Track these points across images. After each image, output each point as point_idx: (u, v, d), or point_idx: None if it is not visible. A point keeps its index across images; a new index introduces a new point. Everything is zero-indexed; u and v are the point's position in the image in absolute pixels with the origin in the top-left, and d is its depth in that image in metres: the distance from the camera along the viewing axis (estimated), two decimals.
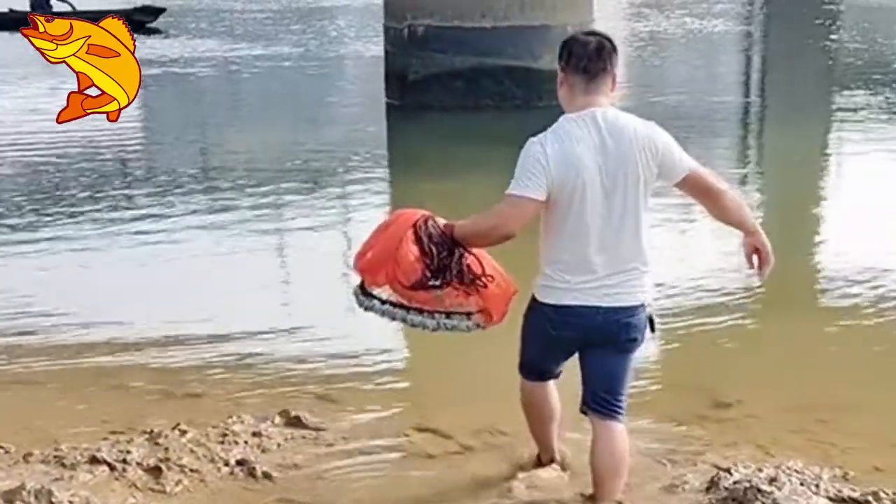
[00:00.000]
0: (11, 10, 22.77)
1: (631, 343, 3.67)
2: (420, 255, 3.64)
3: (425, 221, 3.70)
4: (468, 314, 3.73)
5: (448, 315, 3.72)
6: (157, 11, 22.92)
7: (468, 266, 3.68)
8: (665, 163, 3.59)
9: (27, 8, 22.64)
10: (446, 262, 3.65)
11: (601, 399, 3.70)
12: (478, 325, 3.76)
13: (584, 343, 3.68)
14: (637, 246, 3.61)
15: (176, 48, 19.35)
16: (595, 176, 3.52)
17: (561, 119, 3.61)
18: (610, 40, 3.65)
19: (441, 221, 3.73)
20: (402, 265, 3.63)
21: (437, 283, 3.64)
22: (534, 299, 3.73)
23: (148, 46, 18.73)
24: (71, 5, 23.02)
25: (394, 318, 3.78)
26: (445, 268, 3.65)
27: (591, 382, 3.72)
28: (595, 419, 3.72)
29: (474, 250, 3.71)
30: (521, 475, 3.98)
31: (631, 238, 3.59)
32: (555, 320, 3.66)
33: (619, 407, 3.71)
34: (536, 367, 3.87)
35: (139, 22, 22.09)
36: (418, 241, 3.66)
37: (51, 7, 22.89)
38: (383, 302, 3.74)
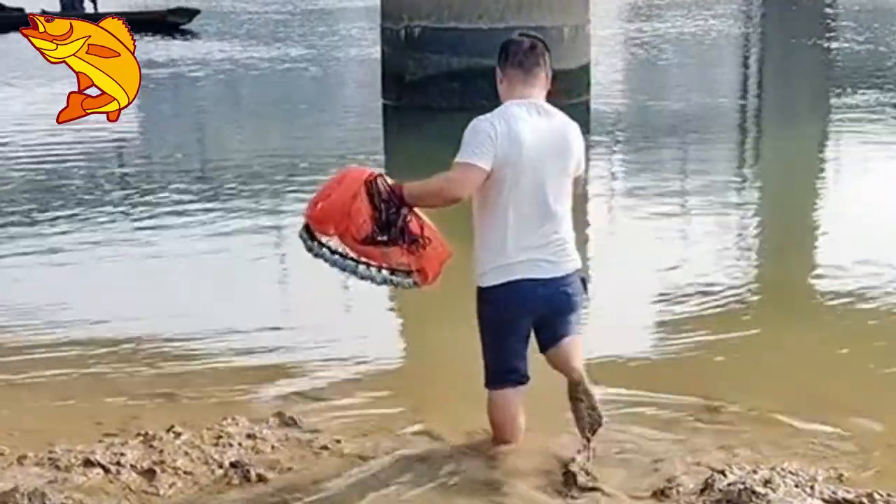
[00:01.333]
0: (44, 11, 22.76)
1: (576, 308, 4.00)
2: (371, 211, 3.84)
3: (375, 179, 3.90)
4: (408, 272, 3.93)
5: (392, 271, 3.92)
6: (191, 13, 22.74)
7: (409, 226, 3.88)
8: (579, 157, 4.00)
9: (58, 9, 22.74)
10: (393, 219, 3.85)
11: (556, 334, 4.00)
12: (416, 284, 3.95)
13: (536, 319, 3.94)
14: (566, 222, 3.96)
15: (175, 49, 19.29)
16: (535, 155, 3.84)
17: (506, 103, 3.96)
18: (542, 41, 4.07)
19: (389, 181, 3.92)
20: (354, 220, 3.84)
21: (385, 239, 3.86)
22: (481, 292, 3.95)
23: (146, 49, 18.69)
24: (95, 8, 23.03)
25: (344, 269, 3.98)
26: (391, 225, 3.85)
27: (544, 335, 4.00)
28: (555, 349, 4.02)
29: (417, 213, 3.93)
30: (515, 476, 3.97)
31: (562, 215, 3.93)
32: (505, 300, 3.89)
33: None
34: (512, 363, 4.00)
35: (173, 24, 22.07)
36: (370, 197, 3.85)
37: (83, 9, 22.86)
38: (333, 251, 3.95)
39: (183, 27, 22.36)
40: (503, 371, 4.03)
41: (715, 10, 26.13)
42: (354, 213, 3.84)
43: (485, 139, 3.84)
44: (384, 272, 3.93)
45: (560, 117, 3.97)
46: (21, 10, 22.66)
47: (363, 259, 3.92)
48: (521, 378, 4.05)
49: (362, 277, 3.96)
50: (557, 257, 3.94)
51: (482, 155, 3.82)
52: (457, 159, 3.86)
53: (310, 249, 3.99)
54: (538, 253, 3.90)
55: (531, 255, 3.90)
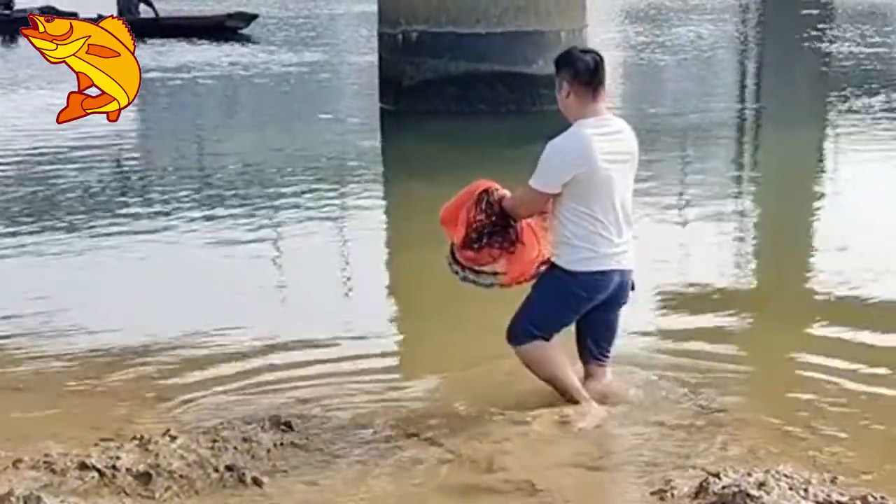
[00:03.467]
0: (100, 16, 22.69)
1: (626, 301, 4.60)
2: (470, 220, 4.51)
3: (486, 191, 4.54)
4: (493, 273, 4.55)
5: (477, 273, 4.57)
6: (248, 18, 22.50)
7: (507, 233, 4.52)
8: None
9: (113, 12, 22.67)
10: (488, 228, 4.50)
11: (604, 350, 4.64)
12: (493, 284, 4.60)
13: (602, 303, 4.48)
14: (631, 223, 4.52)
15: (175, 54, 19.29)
16: (610, 165, 4.34)
17: (578, 125, 4.38)
18: (602, 57, 4.45)
19: (500, 193, 4.55)
20: (458, 225, 4.53)
21: (476, 245, 4.51)
22: (563, 270, 4.41)
23: (146, 53, 18.68)
24: (155, 11, 22.97)
25: (472, 283, 4.63)
26: (483, 233, 4.50)
27: (596, 336, 4.60)
28: (595, 366, 4.65)
29: (526, 222, 4.56)
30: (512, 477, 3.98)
31: (631, 216, 4.49)
32: (595, 286, 4.41)
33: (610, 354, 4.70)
34: (554, 332, 4.53)
35: (232, 28, 21.90)
36: (477, 207, 4.51)
37: (139, 12, 22.82)
38: (463, 269, 4.59)
39: (241, 31, 22.05)
40: (542, 334, 4.50)
41: (712, 14, 26.16)
42: (460, 219, 4.52)
43: (558, 166, 4.34)
44: (468, 272, 4.58)
45: (624, 126, 4.49)
46: (74, 14, 22.62)
47: (468, 264, 4.57)
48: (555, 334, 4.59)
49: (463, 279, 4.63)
50: (632, 253, 4.50)
51: (549, 183, 4.36)
52: (530, 182, 4.42)
53: (454, 273, 4.64)
54: (624, 247, 4.44)
55: (620, 249, 4.43)
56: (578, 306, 4.50)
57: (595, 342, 4.63)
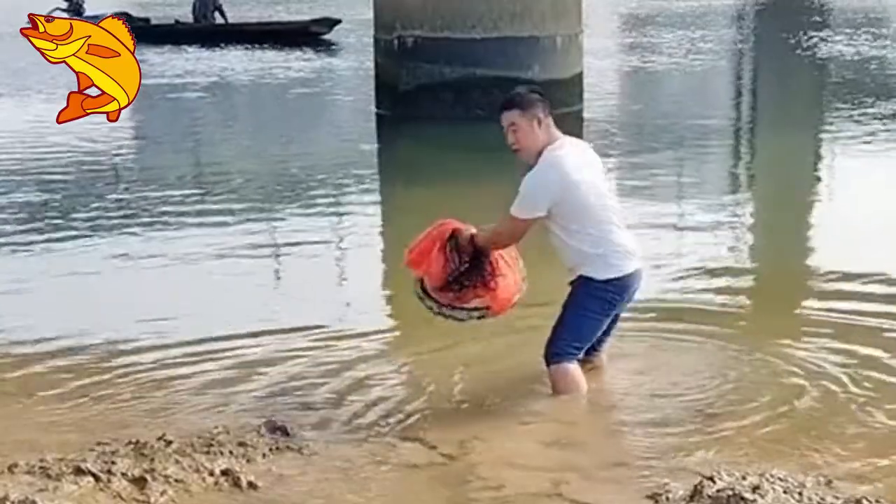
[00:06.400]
0: (178, 22, 22.64)
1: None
2: (444, 262, 4.65)
3: (453, 235, 4.66)
4: (477, 308, 4.71)
5: (454, 308, 4.73)
6: (331, 23, 22.11)
7: (483, 269, 4.66)
8: None
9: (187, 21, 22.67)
10: (463, 269, 4.65)
11: (604, 342, 4.92)
12: (480, 317, 4.76)
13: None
14: None
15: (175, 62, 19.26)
16: (590, 179, 4.64)
17: (560, 151, 4.61)
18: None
19: (472, 231, 4.69)
20: (432, 269, 4.67)
21: (456, 287, 4.67)
22: (598, 282, 4.59)
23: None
24: (224, 18, 22.87)
25: (446, 318, 4.79)
26: (461, 275, 4.65)
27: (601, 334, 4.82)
28: (598, 357, 4.95)
29: (501, 254, 4.72)
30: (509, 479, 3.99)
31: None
32: (621, 289, 4.64)
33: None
34: (592, 339, 4.77)
35: (316, 33, 21.65)
36: (448, 249, 4.64)
37: (214, 18, 22.75)
38: (440, 306, 4.74)
39: (323, 37, 21.73)
40: (581, 348, 4.70)
41: (709, 19, 26.20)
42: (433, 262, 4.65)
43: (537, 193, 4.54)
44: (444, 309, 4.73)
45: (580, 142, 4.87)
46: (147, 20, 22.59)
47: (446, 302, 4.72)
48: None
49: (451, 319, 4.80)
50: (638, 253, 4.73)
51: (528, 210, 4.55)
52: (510, 210, 4.59)
53: (426, 306, 4.79)
54: (634, 247, 4.69)
55: (632, 248, 4.67)
56: (610, 312, 4.72)
57: (598, 339, 4.85)
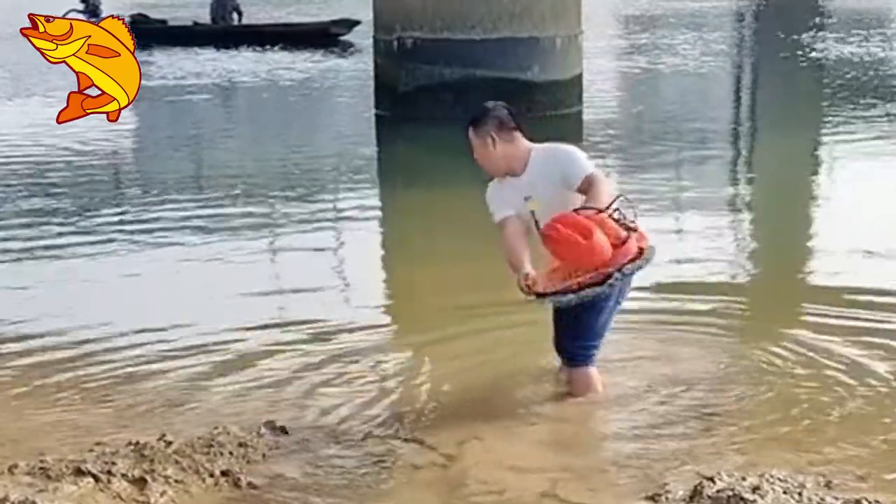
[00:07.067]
0: (196, 24, 22.52)
1: None
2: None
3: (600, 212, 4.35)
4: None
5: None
6: (351, 24, 21.76)
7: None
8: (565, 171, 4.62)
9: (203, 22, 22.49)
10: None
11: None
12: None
13: None
14: None
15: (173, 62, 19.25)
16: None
17: (538, 157, 4.61)
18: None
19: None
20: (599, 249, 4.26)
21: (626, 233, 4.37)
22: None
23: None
24: (240, 19, 22.60)
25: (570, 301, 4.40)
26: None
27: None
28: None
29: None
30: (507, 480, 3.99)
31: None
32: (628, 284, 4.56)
33: None
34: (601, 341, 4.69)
35: (335, 34, 21.42)
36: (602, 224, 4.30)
37: (232, 19, 22.61)
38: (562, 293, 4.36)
39: (342, 38, 21.44)
40: (598, 347, 4.66)
41: (708, 21, 26.21)
42: (597, 244, 4.25)
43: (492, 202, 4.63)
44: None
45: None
46: (164, 21, 22.48)
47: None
48: None
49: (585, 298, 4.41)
50: None
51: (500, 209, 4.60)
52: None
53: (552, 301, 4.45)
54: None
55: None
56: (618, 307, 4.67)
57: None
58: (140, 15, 22.29)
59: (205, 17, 22.98)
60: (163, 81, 16.49)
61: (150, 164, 11.29)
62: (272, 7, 27.89)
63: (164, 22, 22.40)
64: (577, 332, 4.61)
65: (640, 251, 4.41)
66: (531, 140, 4.71)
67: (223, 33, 21.87)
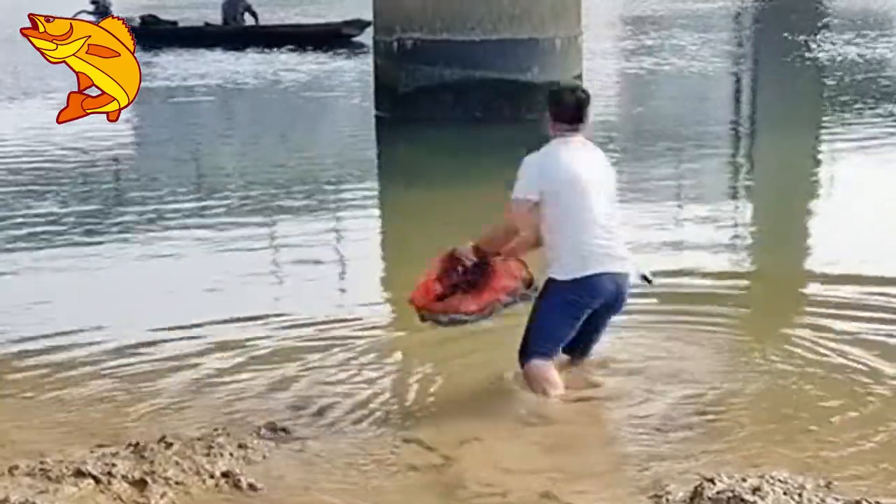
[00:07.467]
0: (207, 24, 22.40)
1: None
2: (435, 279, 4.82)
3: (452, 254, 4.83)
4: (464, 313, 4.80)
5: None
6: (363, 24, 21.02)
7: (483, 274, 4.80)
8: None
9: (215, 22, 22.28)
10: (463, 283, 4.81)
11: (588, 349, 4.98)
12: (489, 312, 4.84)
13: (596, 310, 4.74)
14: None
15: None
16: (590, 182, 4.76)
17: (559, 144, 4.75)
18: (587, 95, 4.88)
19: (468, 246, 4.81)
20: (426, 290, 4.82)
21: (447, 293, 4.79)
22: (559, 282, 4.65)
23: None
24: (256, 19, 22.39)
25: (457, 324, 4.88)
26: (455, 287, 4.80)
27: (583, 340, 4.88)
28: (577, 359, 4.99)
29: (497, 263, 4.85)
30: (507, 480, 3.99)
31: (617, 228, 4.85)
32: (583, 290, 4.66)
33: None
34: (563, 339, 4.77)
35: (347, 35, 21.16)
36: (443, 267, 4.83)
37: (244, 20, 22.48)
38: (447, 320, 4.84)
39: (354, 39, 21.04)
40: (549, 349, 4.73)
41: (708, 22, 26.21)
42: (430, 286, 4.80)
43: (528, 171, 4.68)
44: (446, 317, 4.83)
45: (598, 156, 4.92)
46: (174, 23, 22.35)
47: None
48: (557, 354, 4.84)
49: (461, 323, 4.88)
50: (625, 260, 4.75)
51: (522, 189, 4.66)
52: (511, 195, 4.69)
53: (436, 323, 4.89)
54: (611, 253, 4.68)
55: (606, 253, 4.66)
56: (578, 313, 4.71)
57: (581, 342, 4.91)
58: (150, 16, 22.15)
59: (214, 17, 22.88)
60: (166, 83, 16.48)
61: (150, 165, 11.26)
62: (276, 7, 27.86)
63: (174, 23, 22.28)
64: (526, 330, 4.78)
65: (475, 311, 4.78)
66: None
67: (234, 34, 21.73)
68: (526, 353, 4.76)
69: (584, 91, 4.91)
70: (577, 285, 4.64)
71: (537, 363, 4.72)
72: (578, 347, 4.94)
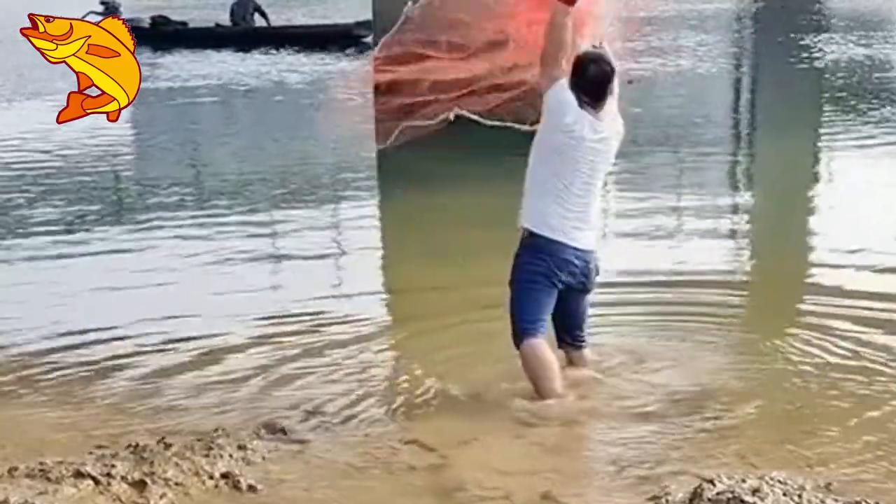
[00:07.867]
0: (218, 25, 22.25)
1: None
2: None
3: None
4: None
5: None
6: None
7: None
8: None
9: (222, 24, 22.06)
10: None
11: (578, 335, 4.88)
12: None
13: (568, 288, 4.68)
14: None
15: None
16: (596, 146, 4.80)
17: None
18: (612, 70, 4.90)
19: None
20: None
21: None
22: (525, 236, 4.68)
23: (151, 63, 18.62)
24: (267, 20, 22.33)
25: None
26: None
27: (567, 324, 4.86)
28: (573, 351, 4.90)
29: None
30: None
31: (596, 207, 4.88)
32: (546, 250, 4.65)
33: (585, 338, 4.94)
34: (540, 314, 4.69)
35: (358, 36, 20.77)
36: None
37: (253, 21, 22.36)
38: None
39: (365, 40, 20.15)
40: (532, 321, 4.64)
41: (708, 22, 26.19)
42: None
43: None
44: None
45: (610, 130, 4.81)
46: (185, 24, 22.24)
47: None
48: (544, 328, 4.72)
49: None
50: (591, 238, 4.70)
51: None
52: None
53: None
54: (580, 226, 4.62)
55: (574, 226, 4.61)
56: (548, 281, 4.62)
57: (567, 330, 4.89)
58: (161, 17, 22.05)
59: (224, 18, 22.77)
60: (168, 83, 16.47)
61: (150, 166, 11.28)
62: (280, 8, 27.86)
63: (185, 24, 22.18)
64: (510, 312, 4.73)
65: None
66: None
67: (244, 35, 21.61)
68: (516, 335, 4.70)
69: (608, 64, 4.72)
70: (540, 243, 4.59)
71: (529, 342, 4.66)
72: (566, 338, 4.90)
